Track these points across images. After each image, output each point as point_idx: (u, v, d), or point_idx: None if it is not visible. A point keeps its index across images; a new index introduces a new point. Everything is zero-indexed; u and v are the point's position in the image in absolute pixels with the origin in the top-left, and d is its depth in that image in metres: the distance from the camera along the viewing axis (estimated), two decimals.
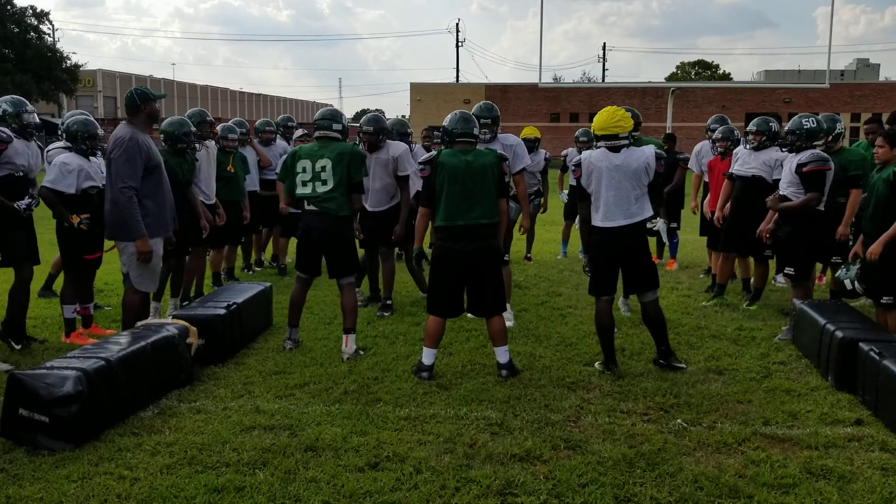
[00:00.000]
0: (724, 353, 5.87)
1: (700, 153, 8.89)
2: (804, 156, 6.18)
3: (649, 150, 5.40)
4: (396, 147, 7.02)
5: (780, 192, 6.36)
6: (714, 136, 8.16)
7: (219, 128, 8.01)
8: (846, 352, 4.98)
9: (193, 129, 6.86)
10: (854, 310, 5.90)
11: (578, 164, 5.48)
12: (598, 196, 5.36)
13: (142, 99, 5.48)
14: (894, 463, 3.94)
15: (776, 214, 6.59)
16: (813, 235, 6.19)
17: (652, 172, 5.35)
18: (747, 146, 7.27)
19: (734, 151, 7.60)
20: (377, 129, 6.91)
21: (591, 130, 5.47)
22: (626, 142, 5.35)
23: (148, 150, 5.41)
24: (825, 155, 6.20)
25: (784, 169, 6.43)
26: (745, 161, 7.26)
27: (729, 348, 6.00)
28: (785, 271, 6.41)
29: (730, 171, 7.50)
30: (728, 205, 7.54)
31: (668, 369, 5.40)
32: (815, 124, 6.31)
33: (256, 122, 9.68)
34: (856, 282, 5.76)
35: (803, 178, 6.15)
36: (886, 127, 6.68)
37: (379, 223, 7.10)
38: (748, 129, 7.27)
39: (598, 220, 5.38)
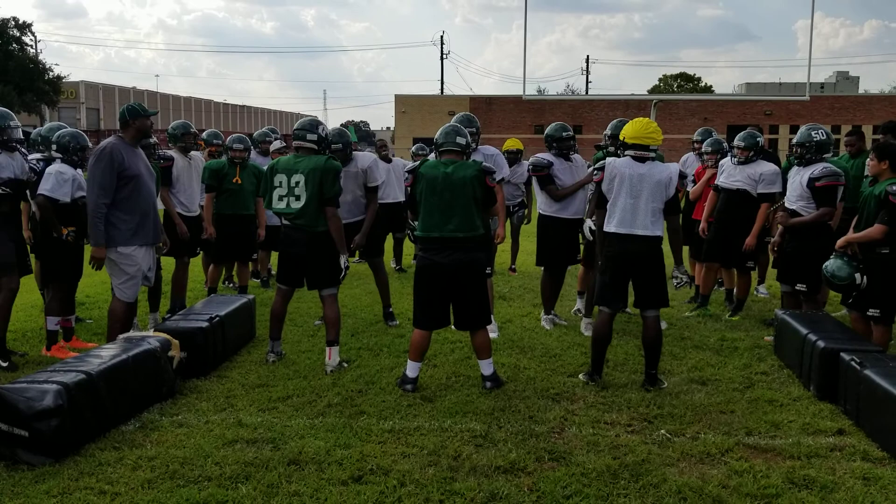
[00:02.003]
0: (707, 363, 5.90)
1: (685, 165, 8.94)
2: (817, 170, 6.19)
3: (674, 167, 5.40)
4: (364, 158, 6.89)
5: (788, 206, 6.38)
6: (703, 149, 8.20)
7: (228, 139, 7.93)
8: (827, 362, 5.02)
9: (152, 140, 6.78)
10: (836, 320, 5.95)
11: (601, 168, 5.38)
12: (615, 202, 5.29)
13: (131, 114, 5.64)
14: (876, 472, 3.96)
15: (758, 228, 6.65)
16: (822, 248, 6.15)
17: (673, 189, 5.32)
18: (734, 160, 7.34)
19: (720, 163, 7.66)
20: (344, 144, 6.73)
21: (621, 138, 5.42)
22: (654, 154, 5.36)
23: (123, 159, 5.45)
24: (838, 170, 6.24)
25: (792, 182, 6.43)
26: (730, 174, 7.32)
27: (712, 359, 6.02)
28: (797, 287, 6.40)
29: (715, 182, 7.56)
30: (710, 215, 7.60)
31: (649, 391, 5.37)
32: (825, 136, 6.34)
33: (255, 133, 9.60)
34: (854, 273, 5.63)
35: (816, 193, 6.17)
36: (845, 142, 6.82)
37: (350, 235, 6.83)
38: (735, 143, 7.34)
39: (612, 226, 5.29)
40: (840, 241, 5.79)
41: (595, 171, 5.44)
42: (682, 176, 5.43)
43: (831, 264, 5.71)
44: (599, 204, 5.43)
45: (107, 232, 5.47)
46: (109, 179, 5.40)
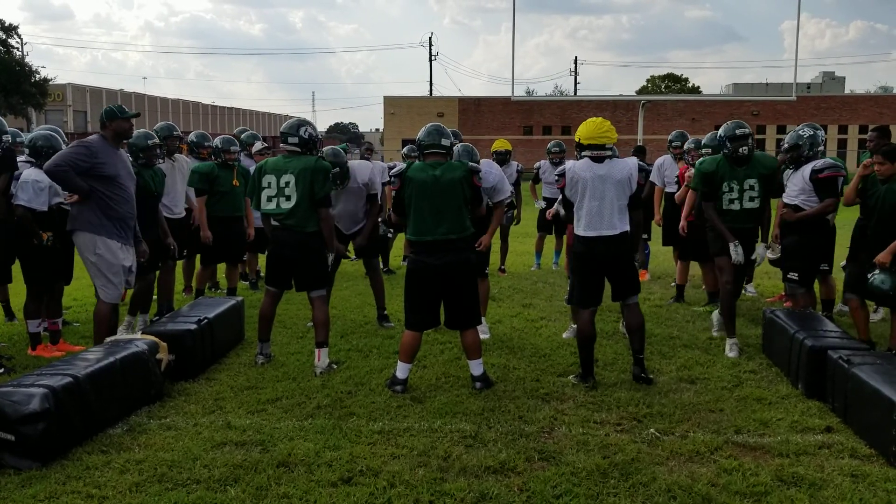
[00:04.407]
0: (696, 362, 5.91)
1: (662, 167, 8.98)
2: (818, 163, 6.26)
3: (632, 162, 5.44)
4: (362, 171, 6.82)
5: (788, 202, 6.41)
6: (686, 147, 8.27)
7: (218, 140, 7.86)
8: (815, 360, 5.04)
9: (157, 141, 6.72)
10: (824, 318, 5.98)
11: (562, 174, 5.42)
12: (580, 206, 5.33)
13: (108, 116, 5.59)
14: (864, 469, 3.98)
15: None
16: (819, 243, 6.23)
17: (634, 184, 5.37)
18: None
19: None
20: (340, 165, 6.59)
21: (576, 140, 5.45)
22: (610, 153, 5.37)
23: (103, 158, 5.40)
24: (838, 162, 6.32)
25: (792, 179, 6.48)
26: None
27: (700, 357, 6.04)
28: (788, 276, 6.43)
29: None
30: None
31: (642, 382, 5.40)
32: (813, 130, 6.41)
33: (243, 135, 9.56)
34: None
35: (819, 185, 6.21)
36: (868, 137, 6.89)
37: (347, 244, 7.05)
38: (703, 144, 7.60)
39: (580, 230, 5.35)
40: (883, 256, 5.68)
41: (557, 178, 5.50)
42: (641, 169, 5.48)
43: (878, 278, 5.67)
44: (567, 207, 5.48)
45: (86, 220, 5.44)
46: (79, 162, 5.31)
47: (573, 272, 5.52)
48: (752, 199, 6.09)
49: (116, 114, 5.59)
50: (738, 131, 6.07)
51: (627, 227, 5.36)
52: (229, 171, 7.75)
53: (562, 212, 5.82)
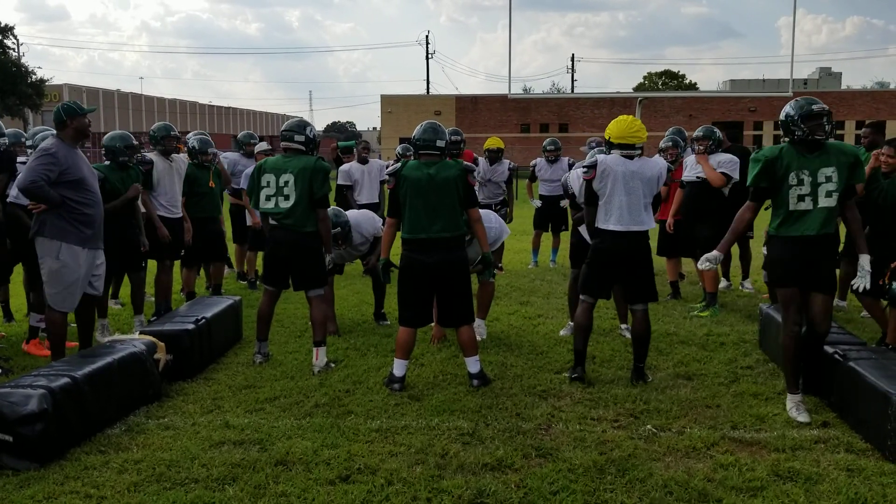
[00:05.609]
0: (693, 358, 5.93)
1: None
2: None
3: (662, 163, 5.48)
4: (367, 225, 6.92)
5: None
6: (661, 146, 8.24)
7: (195, 142, 7.82)
8: (812, 355, 5.04)
9: (135, 142, 6.69)
10: None
11: (592, 166, 5.36)
12: (610, 200, 5.31)
13: (67, 113, 5.29)
14: (860, 464, 4.00)
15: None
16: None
17: (662, 184, 5.40)
18: (695, 154, 7.57)
19: (685, 161, 7.80)
20: (342, 225, 6.61)
21: (605, 137, 5.45)
22: (640, 152, 5.38)
23: (67, 163, 5.17)
24: None
25: None
26: (692, 167, 7.57)
27: (697, 354, 6.06)
28: None
29: (681, 178, 7.70)
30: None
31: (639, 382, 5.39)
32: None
33: (239, 135, 9.61)
34: None
35: None
36: (862, 133, 6.90)
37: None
38: (695, 135, 7.59)
39: (608, 225, 5.32)
40: None
41: (586, 170, 5.44)
42: (668, 170, 5.52)
43: None
44: (589, 202, 5.45)
45: (52, 226, 5.20)
46: (49, 173, 5.05)
47: (588, 264, 5.48)
48: (829, 194, 4.57)
49: (76, 111, 5.31)
50: (814, 107, 4.59)
51: (653, 225, 5.40)
52: (206, 172, 7.75)
53: (575, 195, 5.77)
